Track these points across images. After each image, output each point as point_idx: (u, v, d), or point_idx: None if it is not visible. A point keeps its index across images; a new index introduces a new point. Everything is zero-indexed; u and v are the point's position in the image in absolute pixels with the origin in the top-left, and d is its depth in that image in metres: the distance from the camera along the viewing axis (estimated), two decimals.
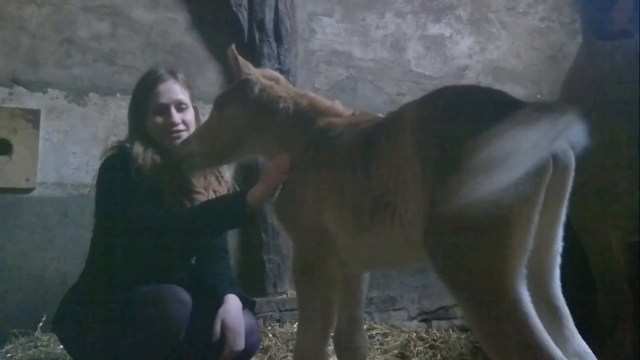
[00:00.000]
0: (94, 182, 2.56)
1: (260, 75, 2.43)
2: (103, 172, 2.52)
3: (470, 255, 1.53)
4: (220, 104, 2.43)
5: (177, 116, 2.55)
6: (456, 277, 1.58)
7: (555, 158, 1.56)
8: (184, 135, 2.55)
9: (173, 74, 2.63)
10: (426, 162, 1.66)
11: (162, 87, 2.56)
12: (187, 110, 2.60)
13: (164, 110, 2.54)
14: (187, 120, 2.59)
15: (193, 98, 2.69)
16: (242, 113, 2.37)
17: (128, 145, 2.52)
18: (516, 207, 1.50)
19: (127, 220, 2.37)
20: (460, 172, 1.54)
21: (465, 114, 1.65)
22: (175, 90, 2.58)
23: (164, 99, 2.55)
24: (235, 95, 2.40)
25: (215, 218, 2.37)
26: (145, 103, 2.56)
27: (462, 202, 1.53)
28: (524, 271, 1.53)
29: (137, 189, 2.40)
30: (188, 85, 2.67)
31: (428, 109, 1.77)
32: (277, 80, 2.45)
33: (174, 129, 2.54)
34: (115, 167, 2.47)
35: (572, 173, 1.66)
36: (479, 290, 1.52)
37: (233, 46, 2.38)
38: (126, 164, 2.44)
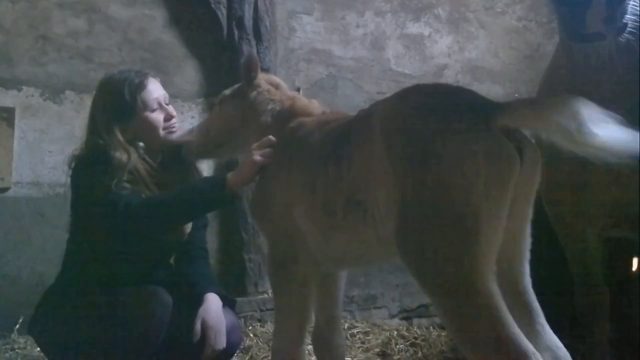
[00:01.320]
0: (69, 182, 2.51)
1: (263, 80, 2.55)
2: (78, 171, 2.46)
3: (440, 252, 1.56)
4: (221, 101, 2.59)
5: (172, 110, 2.61)
6: (427, 274, 1.60)
7: (522, 155, 1.59)
8: (177, 127, 2.63)
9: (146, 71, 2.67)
10: (395, 160, 1.68)
11: (152, 84, 2.57)
12: (170, 104, 2.65)
13: (159, 106, 2.56)
14: (174, 113, 2.64)
15: None
16: (236, 111, 2.51)
17: (101, 142, 2.44)
18: (483, 203, 1.52)
19: (106, 214, 2.32)
20: (428, 170, 1.57)
21: (432, 112, 1.67)
22: (160, 86, 2.62)
23: (158, 95, 2.56)
24: (235, 95, 2.55)
25: (196, 198, 2.35)
26: (134, 103, 2.50)
27: (430, 200, 1.55)
28: (493, 267, 1.55)
29: (116, 185, 2.36)
30: None
31: (396, 108, 1.80)
32: (276, 86, 2.57)
33: (173, 121, 2.59)
34: (91, 166, 2.42)
35: (539, 170, 1.68)
36: (449, 287, 1.54)
37: (254, 51, 2.51)
38: (103, 163, 2.38)
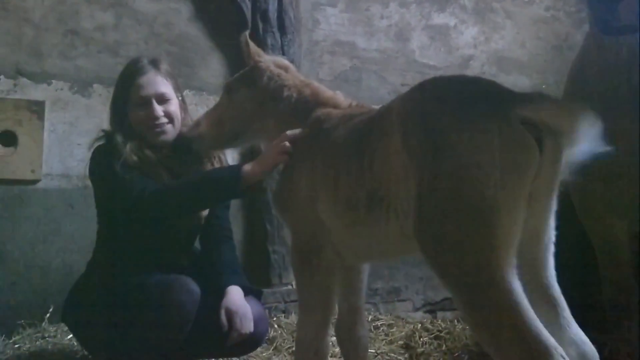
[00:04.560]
0: (87, 173, 2.58)
1: (271, 62, 2.46)
2: (94, 162, 2.53)
3: (458, 245, 1.54)
4: (229, 89, 2.50)
5: (158, 109, 2.53)
6: (446, 268, 1.58)
7: (541, 148, 1.56)
8: (169, 128, 2.56)
9: (155, 64, 2.59)
10: (411, 153, 1.67)
11: (142, 80, 2.53)
12: (170, 102, 2.57)
13: (146, 103, 2.52)
14: (170, 112, 2.56)
15: (178, 88, 2.66)
16: (250, 99, 2.43)
17: (110, 129, 2.55)
18: (500, 195, 1.50)
19: (121, 202, 2.36)
20: (443, 162, 1.55)
21: (447, 103, 1.65)
22: (156, 82, 2.55)
23: (144, 92, 2.51)
24: (245, 81, 2.46)
25: (210, 188, 2.33)
26: (127, 96, 2.53)
27: (446, 192, 1.54)
28: (513, 260, 1.53)
29: (127, 175, 2.39)
30: (171, 76, 2.64)
31: (412, 101, 1.78)
32: (286, 69, 2.48)
33: (157, 122, 2.53)
34: (105, 155, 2.47)
35: (560, 161, 1.64)
36: (469, 280, 1.52)
37: (247, 33, 2.44)
38: (113, 153, 2.44)
